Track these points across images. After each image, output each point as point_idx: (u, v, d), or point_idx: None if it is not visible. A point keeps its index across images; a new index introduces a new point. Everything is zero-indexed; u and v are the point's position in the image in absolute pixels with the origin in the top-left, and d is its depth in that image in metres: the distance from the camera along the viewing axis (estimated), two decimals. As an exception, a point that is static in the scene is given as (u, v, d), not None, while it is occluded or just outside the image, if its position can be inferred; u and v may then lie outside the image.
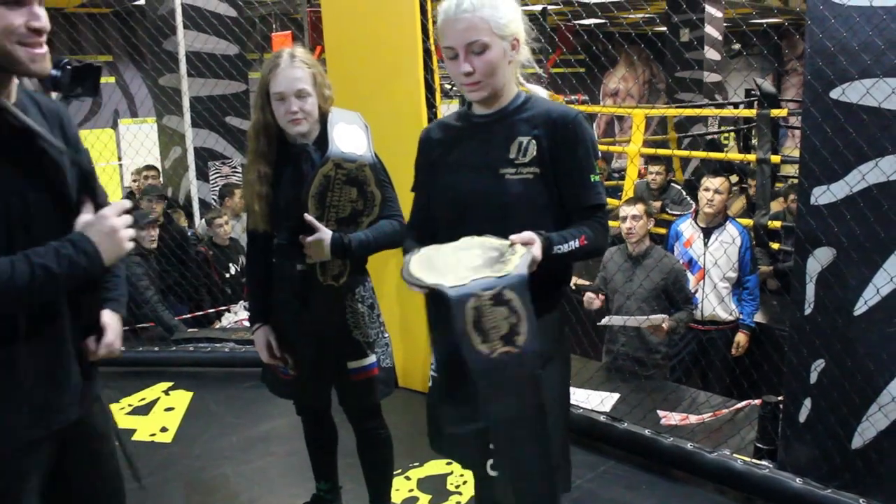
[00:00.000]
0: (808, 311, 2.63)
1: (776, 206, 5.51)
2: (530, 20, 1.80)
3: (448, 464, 3.03)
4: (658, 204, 5.73)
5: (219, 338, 4.37)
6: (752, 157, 5.51)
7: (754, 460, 2.85)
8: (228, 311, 5.02)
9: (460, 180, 1.79)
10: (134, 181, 7.07)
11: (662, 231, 4.68)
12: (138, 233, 4.68)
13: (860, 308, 2.51)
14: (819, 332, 2.61)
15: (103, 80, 1.75)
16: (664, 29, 12.20)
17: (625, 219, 3.80)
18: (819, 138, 2.52)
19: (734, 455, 2.88)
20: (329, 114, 2.23)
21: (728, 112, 7.95)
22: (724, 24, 11.01)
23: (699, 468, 2.92)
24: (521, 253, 1.53)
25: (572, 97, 10.76)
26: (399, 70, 3.44)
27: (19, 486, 1.44)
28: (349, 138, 2.21)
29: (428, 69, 3.43)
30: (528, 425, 1.52)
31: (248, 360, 3.97)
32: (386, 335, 2.42)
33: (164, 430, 3.51)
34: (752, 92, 6.95)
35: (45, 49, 1.38)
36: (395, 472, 2.61)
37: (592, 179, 1.76)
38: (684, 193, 6.00)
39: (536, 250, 1.59)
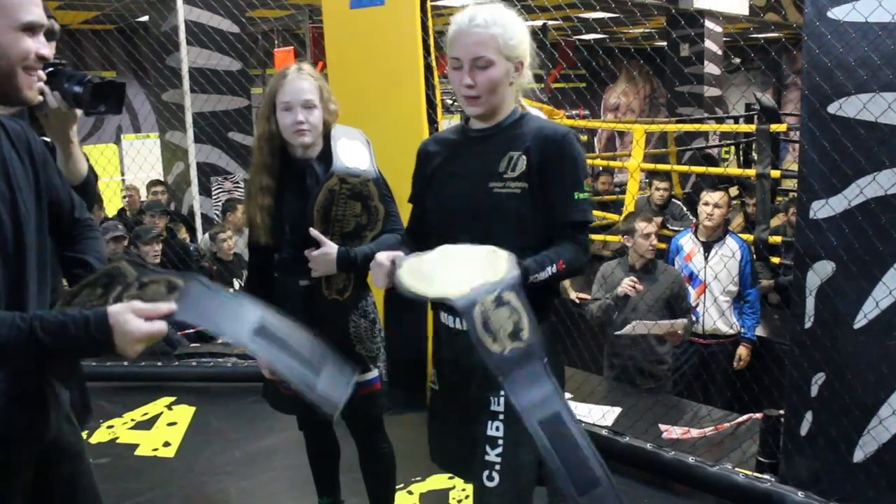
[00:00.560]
0: (808, 324, 2.64)
1: (776, 220, 5.52)
2: (531, 36, 1.84)
3: (450, 478, 3.02)
4: (659, 220, 5.74)
5: (221, 352, 4.38)
6: (751, 171, 5.53)
7: (756, 474, 2.85)
8: (231, 325, 5.02)
9: (452, 192, 1.83)
10: (124, 197, 7.09)
11: (662, 246, 4.70)
12: (142, 248, 4.72)
13: (860, 321, 2.52)
14: (819, 345, 2.62)
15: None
16: (664, 44, 12.26)
17: (648, 235, 3.82)
18: (817, 153, 2.54)
19: (736, 469, 2.88)
20: (332, 129, 2.25)
21: (728, 127, 7.98)
22: (724, 39, 11.08)
23: (701, 482, 2.92)
24: (505, 256, 1.61)
25: (573, 112, 10.82)
26: (400, 85, 3.47)
27: None
28: (352, 153, 2.24)
29: (429, 85, 3.46)
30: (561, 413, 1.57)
31: (250, 374, 3.97)
32: (388, 349, 2.43)
33: (166, 444, 3.51)
34: (752, 106, 6.98)
35: (39, 77, 1.39)
36: (397, 487, 2.61)
37: (577, 197, 1.76)
38: (685, 209, 6.01)
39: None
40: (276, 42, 7.71)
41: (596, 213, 6.84)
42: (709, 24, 10.51)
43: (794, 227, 2.94)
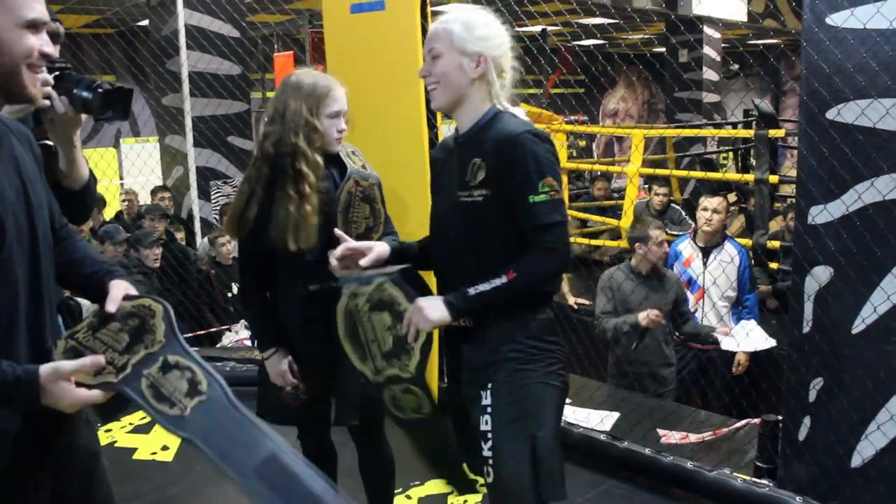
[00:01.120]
0: (806, 329, 2.64)
1: (775, 225, 5.53)
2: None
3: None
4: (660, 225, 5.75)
5: (219, 357, 4.37)
6: (750, 177, 5.54)
7: (754, 479, 2.85)
8: (229, 330, 5.03)
9: (435, 202, 1.91)
10: (123, 201, 7.09)
11: (662, 250, 4.70)
12: (142, 251, 4.72)
13: (858, 326, 2.52)
14: (817, 350, 2.62)
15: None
16: (663, 50, 12.31)
17: (662, 243, 3.83)
18: (815, 158, 2.55)
19: (734, 474, 2.88)
20: None
21: (726, 132, 8.00)
22: (723, 45, 11.12)
23: (699, 487, 2.92)
24: (161, 314, 1.44)
25: (572, 117, 10.84)
26: (400, 90, 3.47)
27: None
28: (355, 158, 2.29)
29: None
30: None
31: (248, 379, 3.94)
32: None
33: (164, 448, 3.51)
34: (751, 112, 7.00)
35: (43, 76, 1.39)
36: (396, 491, 2.61)
37: (531, 200, 1.69)
38: (684, 214, 6.02)
39: (435, 315, 1.68)
40: (276, 46, 7.71)
41: (594, 217, 6.87)
42: (707, 30, 10.55)
43: (793, 233, 2.95)
